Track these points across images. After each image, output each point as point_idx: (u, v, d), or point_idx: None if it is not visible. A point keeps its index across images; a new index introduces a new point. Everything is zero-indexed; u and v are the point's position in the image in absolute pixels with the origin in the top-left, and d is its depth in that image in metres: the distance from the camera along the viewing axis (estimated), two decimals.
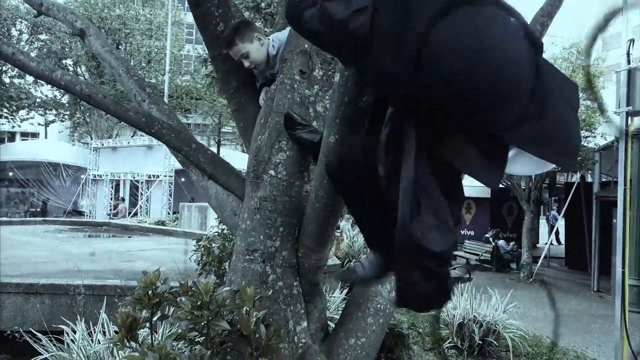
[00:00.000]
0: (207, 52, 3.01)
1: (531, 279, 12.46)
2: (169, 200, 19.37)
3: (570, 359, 6.22)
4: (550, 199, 20.86)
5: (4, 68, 22.36)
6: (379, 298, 2.74)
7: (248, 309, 2.20)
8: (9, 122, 24.48)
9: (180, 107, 25.99)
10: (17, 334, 3.95)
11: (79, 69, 26.76)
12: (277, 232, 2.50)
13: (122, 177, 21.42)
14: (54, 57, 24.14)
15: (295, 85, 2.46)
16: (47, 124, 28.99)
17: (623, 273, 4.97)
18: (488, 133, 1.38)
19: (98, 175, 22.02)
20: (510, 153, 1.44)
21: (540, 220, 21.24)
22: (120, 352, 2.68)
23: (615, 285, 5.14)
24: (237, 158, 17.79)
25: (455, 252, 15.04)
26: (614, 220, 5.24)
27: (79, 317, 3.69)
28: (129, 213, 20.30)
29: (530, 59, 1.38)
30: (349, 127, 1.90)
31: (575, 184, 13.92)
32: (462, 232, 18.25)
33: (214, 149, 23.43)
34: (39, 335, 3.53)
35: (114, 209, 21.47)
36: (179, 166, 3.49)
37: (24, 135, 33.84)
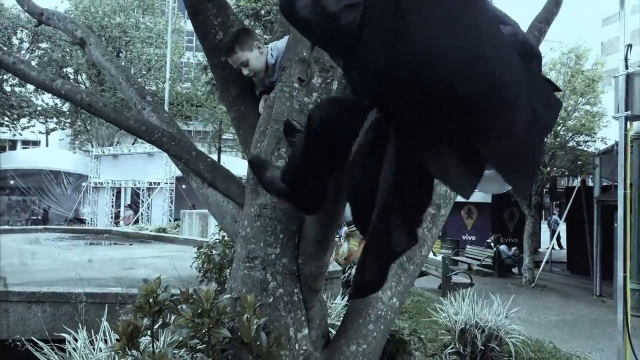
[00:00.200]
0: (207, 59, 3.03)
1: (533, 284, 12.44)
2: (170, 207, 19.38)
3: None
4: (552, 203, 20.87)
5: (5, 77, 22.44)
6: (380, 304, 2.74)
7: (249, 316, 2.20)
8: (10, 130, 24.56)
9: (180, 115, 26.06)
10: (18, 343, 3.95)
11: (79, 77, 26.85)
12: (277, 239, 2.50)
13: (123, 184, 21.44)
14: (54, 66, 24.25)
15: (294, 93, 2.48)
16: (48, 132, 29.08)
17: (625, 277, 4.97)
18: (469, 144, 1.39)
19: (99, 182, 22.05)
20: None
21: (541, 225, 21.23)
22: None
23: (617, 289, 5.13)
24: (238, 165, 17.82)
25: (457, 258, 15.04)
26: (615, 225, 5.23)
27: (80, 325, 3.69)
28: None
29: (519, 72, 1.40)
30: None
31: (576, 189, 13.93)
32: (464, 238, 18.25)
33: (215, 156, 23.46)
34: (41, 343, 3.53)
35: (118, 217, 21.53)
36: (179, 173, 3.51)
37: (25, 143, 33.94)
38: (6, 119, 23.89)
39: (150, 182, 19.97)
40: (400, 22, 1.26)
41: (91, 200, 22.30)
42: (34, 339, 3.67)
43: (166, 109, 18.98)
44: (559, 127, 12.24)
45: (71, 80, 24.92)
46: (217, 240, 5.16)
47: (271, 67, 2.66)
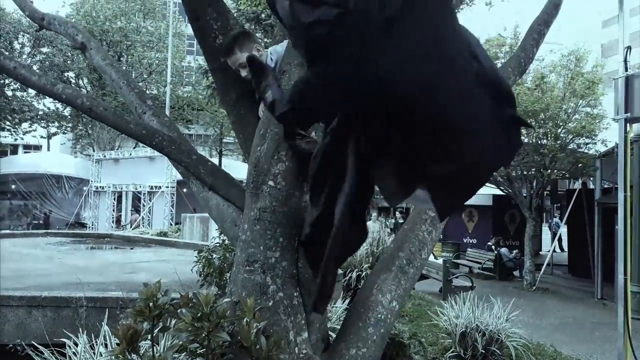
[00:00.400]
0: (207, 63, 3.05)
1: (534, 287, 12.42)
2: (171, 211, 19.38)
3: None
4: (552, 206, 20.85)
5: (7, 81, 22.49)
6: (380, 308, 2.74)
7: (248, 320, 2.20)
8: (11, 134, 24.59)
9: (182, 118, 26.10)
10: (19, 347, 3.95)
11: (81, 82, 26.91)
12: (277, 243, 2.51)
13: (124, 188, 21.45)
14: (56, 70, 24.30)
15: None
16: (49, 137, 29.11)
17: (625, 280, 4.96)
18: (411, 164, 1.49)
19: (100, 187, 22.06)
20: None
21: (542, 228, 21.21)
22: None
23: (618, 292, 5.13)
24: (239, 168, 17.84)
25: (458, 261, 15.02)
26: (616, 227, 5.23)
27: (81, 330, 3.69)
28: (131, 224, 20.35)
29: (480, 108, 1.47)
30: None
31: (577, 191, 13.92)
32: (465, 241, 18.24)
33: (216, 160, 23.51)
34: (41, 348, 3.53)
35: (120, 221, 21.58)
36: (180, 177, 3.52)
37: (27, 147, 33.98)
38: (8, 123, 23.91)
39: (152, 186, 19.98)
40: (369, 45, 1.30)
41: (92, 204, 22.31)
42: (34, 343, 3.67)
43: (167, 113, 19.02)
44: (560, 130, 12.25)
45: (72, 85, 24.97)
46: (218, 244, 5.17)
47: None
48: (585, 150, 12.49)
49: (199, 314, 2.10)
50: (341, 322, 3.25)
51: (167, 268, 7.01)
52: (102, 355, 3.37)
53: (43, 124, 26.11)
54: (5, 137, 24.96)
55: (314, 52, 1.38)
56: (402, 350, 4.04)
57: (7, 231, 15.70)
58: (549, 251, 15.12)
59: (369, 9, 1.28)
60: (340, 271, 7.00)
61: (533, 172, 12.95)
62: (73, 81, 26.29)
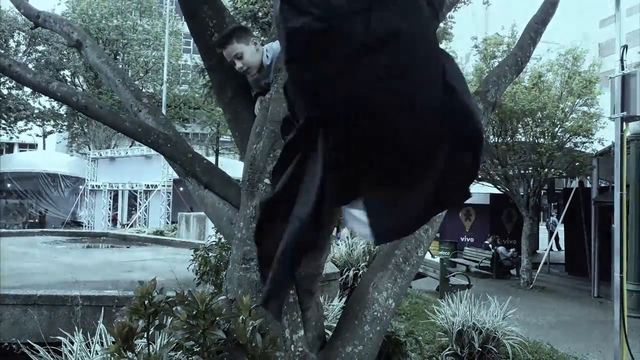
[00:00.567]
0: (202, 61, 3.04)
1: (531, 285, 12.44)
2: (168, 210, 19.35)
3: None
4: (550, 204, 20.91)
5: (2, 80, 22.41)
6: (376, 305, 2.74)
7: (244, 317, 2.20)
8: (7, 133, 24.53)
9: (178, 117, 26.06)
10: (15, 346, 3.94)
11: (77, 80, 26.84)
12: None
13: (120, 187, 21.41)
14: (52, 68, 24.24)
15: None
16: (45, 135, 29.06)
17: (621, 278, 4.97)
18: (354, 175, 1.54)
19: (96, 185, 22.01)
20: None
21: (540, 227, 21.26)
22: None
23: (614, 290, 5.14)
24: (236, 167, 17.77)
25: (455, 259, 15.05)
26: (613, 225, 5.24)
27: (77, 328, 3.67)
28: (127, 224, 20.32)
29: (438, 142, 1.51)
30: None
31: (574, 190, 13.96)
32: (462, 239, 18.27)
33: (213, 158, 23.47)
34: (37, 346, 3.52)
35: (115, 220, 21.52)
36: (177, 176, 3.52)
37: (22, 146, 33.88)
38: (3, 122, 23.86)
39: (148, 185, 19.94)
40: (344, 59, 1.32)
41: (88, 203, 22.27)
42: (30, 342, 3.66)
43: (164, 111, 18.99)
44: (557, 129, 12.27)
45: (68, 83, 24.90)
46: (214, 243, 5.15)
47: (266, 68, 2.66)
48: (582, 149, 12.52)
49: (194, 312, 2.10)
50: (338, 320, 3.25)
51: (164, 267, 7.00)
52: (98, 354, 3.36)
53: (39, 123, 26.05)
54: (0, 135, 24.89)
55: (293, 54, 1.40)
56: (398, 348, 4.04)
57: (3, 230, 15.64)
58: (546, 250, 15.16)
59: (354, 31, 1.29)
60: (336, 269, 6.99)
61: (530, 171, 12.98)
62: (69, 79, 26.22)
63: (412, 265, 2.98)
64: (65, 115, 26.21)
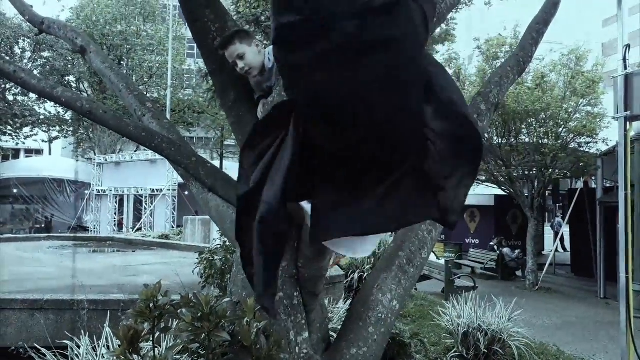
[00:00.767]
0: (205, 65, 3.06)
1: (537, 287, 12.39)
2: (173, 214, 19.40)
3: None
4: (554, 205, 20.80)
5: (8, 86, 22.55)
6: (380, 307, 2.75)
7: (249, 319, 2.21)
8: (13, 139, 24.64)
9: (182, 121, 26.13)
10: (22, 350, 3.96)
11: (81, 85, 26.97)
12: None
13: (125, 191, 21.48)
14: (56, 74, 24.35)
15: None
16: (50, 141, 29.16)
17: (627, 278, 4.95)
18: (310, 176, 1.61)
19: (102, 190, 22.09)
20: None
21: (545, 228, 21.18)
22: None
23: (620, 291, 5.12)
24: None
25: (461, 261, 15.01)
26: (618, 226, 5.22)
27: (83, 332, 3.70)
28: (133, 227, 20.39)
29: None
30: None
31: (579, 190, 13.90)
32: (467, 241, 18.21)
33: (217, 162, 23.52)
34: (44, 350, 3.54)
35: (121, 224, 21.60)
36: (182, 180, 3.54)
37: (28, 152, 34.04)
38: (9, 128, 23.97)
39: (153, 189, 20.01)
40: (329, 60, 1.38)
41: (94, 207, 22.34)
42: (37, 346, 3.68)
43: (168, 116, 19.04)
44: (561, 129, 12.24)
45: (73, 89, 25.03)
46: (219, 246, 5.18)
47: (268, 71, 2.67)
48: (587, 150, 12.47)
49: (199, 314, 2.11)
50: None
51: (169, 270, 7.03)
52: (104, 357, 3.38)
53: (44, 128, 26.15)
54: (7, 141, 25.02)
55: (281, 48, 1.44)
56: (403, 349, 4.04)
57: (10, 235, 15.72)
58: (551, 251, 15.08)
59: (347, 40, 1.33)
60: (341, 272, 6.99)
61: (534, 172, 12.94)
62: (74, 85, 26.36)
63: (416, 267, 2.98)
64: (70, 120, 26.32)
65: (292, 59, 1.41)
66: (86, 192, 23.43)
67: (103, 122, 3.12)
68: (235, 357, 2.25)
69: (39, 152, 32.94)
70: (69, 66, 25.19)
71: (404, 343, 4.04)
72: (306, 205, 1.78)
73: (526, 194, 13.39)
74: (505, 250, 14.64)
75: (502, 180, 13.24)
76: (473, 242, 18.30)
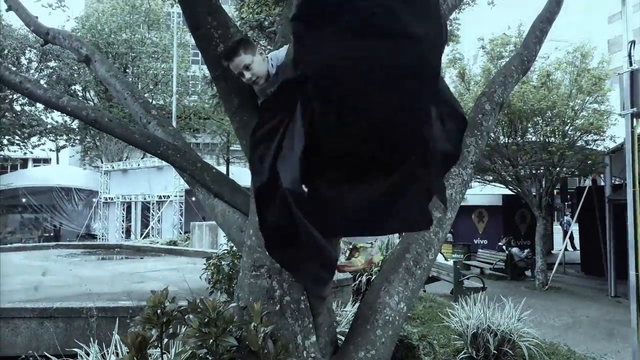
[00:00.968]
0: (208, 72, 3.07)
1: (547, 286, 12.31)
2: (180, 220, 19.46)
3: None
4: (563, 204, 20.68)
5: (15, 96, 22.74)
6: (388, 310, 2.74)
7: (256, 324, 2.21)
8: (21, 149, 24.81)
9: (188, 128, 26.25)
10: (31, 358, 3.98)
11: (87, 94, 27.16)
12: None
13: (133, 198, 21.58)
14: (63, 84, 24.53)
15: None
16: (58, 150, 29.36)
17: (637, 276, 4.91)
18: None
19: (109, 198, 22.21)
20: None
21: (554, 227, 21.05)
22: None
23: (631, 288, 5.08)
24: (247, 176, 17.78)
25: (469, 262, 14.94)
26: (628, 223, 5.18)
27: (92, 340, 3.72)
28: (141, 234, 20.48)
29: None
30: None
31: (587, 188, 13.80)
32: (476, 242, 18.14)
33: (223, 168, 23.58)
34: (53, 359, 3.56)
35: (129, 231, 21.70)
36: (188, 186, 3.56)
37: (36, 161, 34.27)
38: (17, 137, 24.16)
39: (160, 196, 20.09)
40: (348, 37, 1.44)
41: (102, 215, 22.45)
42: (46, 354, 3.70)
43: (174, 122, 19.13)
44: (567, 127, 12.17)
45: (79, 98, 25.20)
46: (226, 251, 5.18)
47: (272, 76, 2.67)
48: (594, 147, 12.39)
49: (206, 320, 2.11)
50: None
51: (177, 276, 7.05)
52: None
53: (52, 138, 26.33)
54: (15, 151, 25.20)
55: (303, 22, 1.50)
56: (411, 352, 4.02)
57: (19, 244, 15.83)
58: (560, 250, 14.98)
59: (370, 23, 1.39)
60: (349, 275, 6.98)
61: (542, 171, 12.87)
62: (80, 94, 26.54)
63: (423, 269, 2.97)
64: (77, 129, 26.50)
65: (312, 35, 1.43)
66: (94, 199, 23.56)
67: (109, 130, 3.14)
68: None
69: (46, 161, 33.16)
70: (75, 75, 25.38)
71: (412, 345, 4.02)
72: None
73: (534, 193, 13.32)
74: (514, 250, 14.56)
75: (510, 179, 13.18)
76: (481, 242, 18.22)
